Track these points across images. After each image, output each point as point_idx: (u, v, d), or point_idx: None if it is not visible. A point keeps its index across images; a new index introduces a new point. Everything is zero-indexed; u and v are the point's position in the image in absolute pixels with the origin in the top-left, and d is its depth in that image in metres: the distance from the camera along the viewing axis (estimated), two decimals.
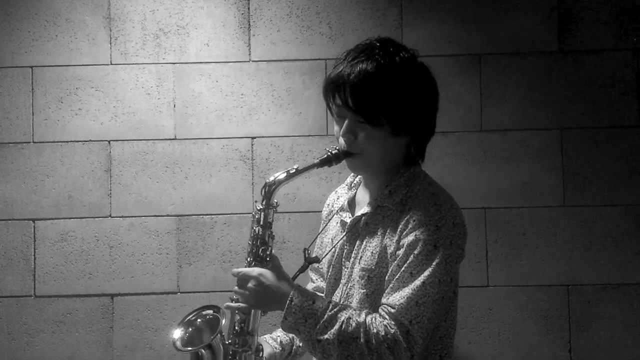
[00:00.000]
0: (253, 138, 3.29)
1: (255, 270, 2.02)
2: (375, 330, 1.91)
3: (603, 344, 3.20)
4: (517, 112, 3.28)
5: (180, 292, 3.24)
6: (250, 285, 2.01)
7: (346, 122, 2.01)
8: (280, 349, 2.28)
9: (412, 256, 1.93)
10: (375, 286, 2.00)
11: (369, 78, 1.95)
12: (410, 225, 1.95)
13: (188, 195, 3.27)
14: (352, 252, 2.07)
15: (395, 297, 1.93)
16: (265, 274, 2.02)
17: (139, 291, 3.24)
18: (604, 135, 3.26)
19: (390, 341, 1.89)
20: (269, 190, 2.09)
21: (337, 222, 2.19)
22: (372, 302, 2.00)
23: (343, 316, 1.93)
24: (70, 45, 3.33)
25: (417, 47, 3.28)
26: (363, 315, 1.94)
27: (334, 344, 1.91)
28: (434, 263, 1.92)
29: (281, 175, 2.07)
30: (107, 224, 3.27)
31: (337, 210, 2.21)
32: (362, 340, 1.90)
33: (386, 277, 1.97)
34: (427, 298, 1.91)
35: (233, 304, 2.06)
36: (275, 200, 2.11)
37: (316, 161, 2.05)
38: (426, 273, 1.91)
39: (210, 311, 2.20)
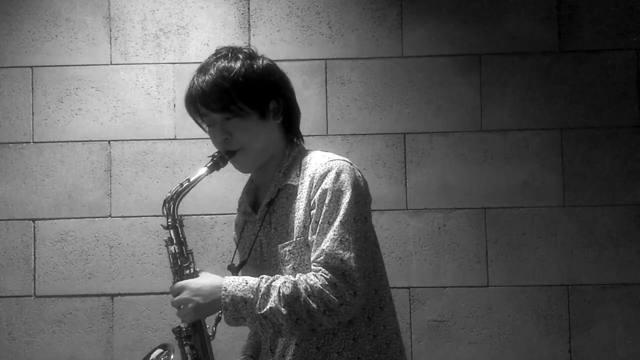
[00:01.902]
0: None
1: (181, 282, 2.07)
2: (312, 282, 1.94)
3: (603, 344, 3.20)
4: (517, 112, 3.28)
5: None
6: (182, 296, 2.04)
7: (218, 125, 2.12)
8: None
9: (324, 207, 2.00)
10: (300, 257, 2.04)
11: (218, 77, 2.09)
12: (314, 184, 2.04)
13: (188, 195, 3.26)
14: (270, 243, 2.11)
15: (321, 246, 1.97)
16: (192, 280, 2.07)
17: (139, 291, 3.24)
18: (604, 135, 3.26)
19: (329, 287, 1.93)
20: (170, 206, 2.16)
21: (248, 229, 2.24)
22: (302, 272, 2.03)
23: (279, 282, 1.96)
24: (70, 45, 3.33)
25: (417, 47, 3.31)
26: (297, 275, 1.98)
27: (278, 310, 1.92)
28: (344, 204, 1.99)
29: (175, 190, 2.15)
30: (107, 224, 3.27)
31: (244, 219, 2.26)
32: (303, 296, 1.92)
33: (309, 238, 2.02)
34: (349, 235, 1.97)
35: (183, 319, 2.08)
36: (180, 215, 2.16)
37: (204, 169, 2.14)
38: (340, 213, 1.98)
39: (160, 350, 2.20)
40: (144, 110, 3.31)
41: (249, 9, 3.34)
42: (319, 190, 2.01)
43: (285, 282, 1.95)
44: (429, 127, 3.28)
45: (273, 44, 3.31)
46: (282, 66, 3.41)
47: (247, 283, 1.98)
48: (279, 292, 1.94)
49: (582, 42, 3.29)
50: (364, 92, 3.29)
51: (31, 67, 3.32)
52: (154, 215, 3.27)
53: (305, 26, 3.32)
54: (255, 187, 2.28)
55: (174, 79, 3.32)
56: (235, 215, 2.36)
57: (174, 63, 3.32)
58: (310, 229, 2.02)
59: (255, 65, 2.15)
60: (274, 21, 3.33)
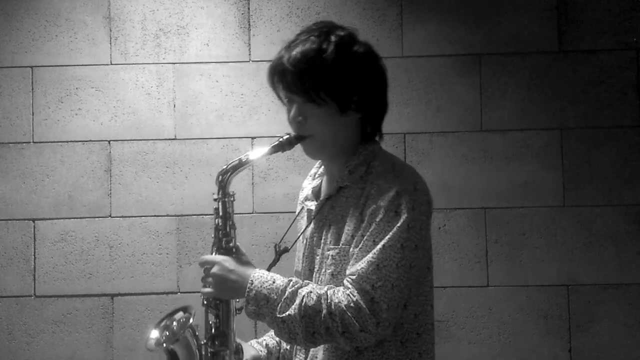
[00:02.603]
0: (253, 138, 3.29)
1: (218, 257, 2.03)
2: (337, 300, 1.87)
3: (603, 344, 3.20)
4: (517, 112, 3.28)
5: (180, 292, 3.24)
6: (213, 270, 2.01)
7: (295, 106, 2.02)
8: (266, 352, 2.25)
9: (374, 224, 1.91)
10: (340, 265, 1.97)
11: (306, 58, 1.97)
12: (371, 196, 1.95)
13: (188, 195, 3.27)
14: (321, 239, 2.06)
15: (357, 265, 1.90)
16: (228, 259, 2.02)
17: (139, 291, 3.24)
18: (604, 135, 3.26)
19: (353, 309, 1.86)
20: (223, 179, 2.10)
21: (304, 214, 2.19)
22: (337, 282, 1.96)
23: (304, 291, 1.90)
24: (70, 45, 3.33)
25: (417, 47, 3.31)
26: (325, 288, 1.92)
27: (296, 319, 1.88)
28: (395, 227, 1.90)
29: (233, 163, 2.08)
30: (107, 224, 3.27)
31: (303, 201, 2.21)
32: (324, 311, 1.86)
33: (351, 249, 1.95)
34: (389, 262, 1.88)
35: (204, 290, 2.05)
36: (232, 191, 2.11)
37: (267, 148, 2.05)
38: (387, 237, 1.89)
39: (181, 313, 2.19)
40: (144, 110, 3.31)
41: (249, 9, 3.34)
42: (374, 205, 1.93)
43: (311, 292, 1.90)
44: (429, 127, 3.27)
45: (273, 44, 3.31)
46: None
47: (274, 282, 1.94)
48: (302, 302, 1.89)
49: (582, 42, 3.29)
50: None
51: (31, 67, 3.32)
52: (154, 215, 3.27)
53: (305, 26, 3.32)
54: (322, 173, 2.21)
55: (174, 79, 3.32)
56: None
57: (174, 63, 3.32)
58: (355, 241, 1.96)
59: (348, 52, 2.00)
60: (274, 21, 3.33)
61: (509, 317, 3.22)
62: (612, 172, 3.24)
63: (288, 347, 2.26)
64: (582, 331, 3.20)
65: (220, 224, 2.11)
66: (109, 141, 3.30)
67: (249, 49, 3.32)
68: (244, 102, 3.30)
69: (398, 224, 1.90)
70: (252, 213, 3.24)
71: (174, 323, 2.18)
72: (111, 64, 3.33)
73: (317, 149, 2.06)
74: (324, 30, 2.04)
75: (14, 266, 3.26)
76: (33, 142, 3.30)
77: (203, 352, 2.10)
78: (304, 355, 2.08)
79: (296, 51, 1.99)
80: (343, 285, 1.91)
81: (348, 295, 1.87)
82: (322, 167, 2.19)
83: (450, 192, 3.25)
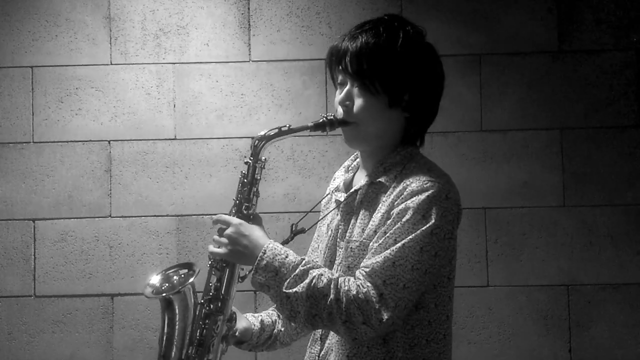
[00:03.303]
0: (253, 138, 3.28)
1: (236, 219, 2.01)
2: (346, 288, 1.86)
3: (603, 344, 3.20)
4: (517, 112, 3.28)
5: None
6: (228, 231, 1.99)
7: (345, 89, 2.01)
8: (259, 327, 2.22)
9: (399, 224, 1.89)
10: (358, 259, 1.95)
11: (369, 45, 1.97)
12: (402, 196, 1.93)
13: (188, 195, 3.27)
14: (346, 231, 2.04)
15: (373, 259, 1.88)
16: (245, 224, 1.99)
17: (139, 291, 3.24)
18: (604, 135, 3.26)
19: (361, 301, 1.84)
20: (259, 144, 2.08)
21: (332, 205, 2.17)
22: (352, 275, 1.94)
23: (315, 272, 1.88)
24: (70, 45, 3.33)
25: None
26: (337, 274, 1.90)
27: (302, 297, 1.85)
28: (419, 230, 1.88)
29: (272, 132, 2.06)
30: (107, 224, 3.27)
31: (333, 191, 2.19)
32: (331, 296, 1.84)
33: (370, 244, 1.93)
34: (406, 262, 1.87)
35: (213, 249, 2.03)
36: (264, 157, 2.10)
37: (310, 124, 2.03)
38: (409, 237, 1.87)
39: (185, 270, 2.18)
40: (144, 110, 3.31)
41: (249, 9, 3.34)
42: (403, 205, 1.90)
43: (322, 275, 1.88)
44: (429, 127, 3.27)
45: (273, 44, 3.31)
46: (282, 66, 3.45)
47: (287, 257, 1.91)
48: (311, 282, 1.86)
49: (582, 42, 3.29)
50: None
51: (31, 67, 3.32)
52: (154, 215, 3.27)
53: (305, 26, 3.32)
54: (357, 166, 2.19)
55: (174, 79, 3.32)
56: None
57: (174, 63, 3.32)
58: (377, 236, 1.94)
59: (411, 50, 1.99)
60: (274, 21, 3.33)
61: (509, 317, 3.22)
62: (612, 172, 3.24)
63: (282, 329, 2.24)
64: (582, 331, 3.20)
65: (244, 188, 2.08)
66: (109, 141, 3.30)
67: (249, 49, 3.32)
68: (244, 102, 3.30)
69: (423, 228, 1.88)
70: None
71: (175, 277, 2.17)
72: (111, 64, 3.33)
73: (358, 137, 2.03)
74: (394, 22, 2.04)
75: (14, 266, 3.26)
76: (33, 142, 3.30)
77: (197, 312, 2.09)
78: (319, 347, 2.07)
79: (362, 37, 1.98)
80: (355, 275, 1.90)
81: (358, 285, 1.86)
82: (357, 160, 2.18)
83: None
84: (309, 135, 3.27)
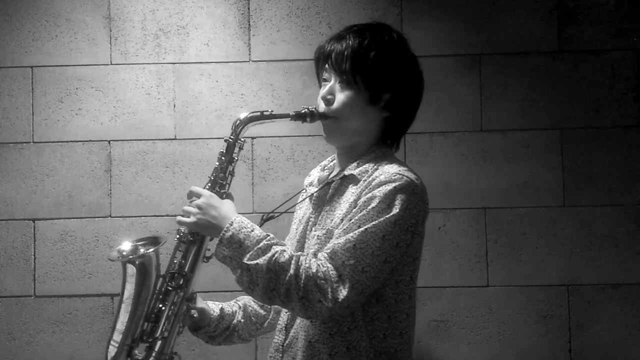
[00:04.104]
0: (253, 138, 3.29)
1: (208, 192, 2.05)
2: (307, 265, 1.89)
3: (603, 344, 3.20)
4: (517, 112, 3.28)
5: None
6: (198, 201, 2.02)
7: (328, 84, 2.07)
8: (219, 314, 2.24)
9: (364, 211, 1.93)
10: (324, 245, 1.99)
11: (354, 44, 2.04)
12: (370, 186, 1.98)
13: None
14: (316, 223, 2.08)
15: (335, 240, 1.93)
16: (216, 197, 2.04)
17: None
18: (604, 135, 3.26)
19: (319, 278, 1.88)
20: (240, 123, 2.13)
21: (303, 198, 2.21)
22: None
23: (278, 248, 1.92)
24: (70, 45, 3.33)
25: (417, 47, 3.29)
26: (299, 253, 1.95)
27: (262, 270, 1.88)
28: (382, 218, 1.92)
29: (255, 114, 2.12)
30: (107, 224, 3.27)
31: (307, 186, 2.23)
32: (291, 272, 1.88)
33: (335, 232, 1.97)
34: (367, 246, 1.90)
35: (181, 218, 2.06)
36: (244, 138, 2.14)
37: (292, 113, 2.09)
38: (372, 223, 1.92)
39: (154, 240, 2.18)
40: (144, 110, 3.31)
41: (249, 9, 3.34)
42: (370, 194, 1.95)
43: (284, 251, 1.92)
44: (429, 127, 3.28)
45: (273, 44, 3.31)
46: (282, 66, 3.45)
47: (252, 230, 1.95)
48: (273, 256, 1.90)
49: (582, 42, 3.29)
50: None
51: (31, 67, 3.32)
52: (154, 215, 3.27)
53: (305, 26, 3.32)
54: (333, 166, 2.23)
55: (174, 79, 3.32)
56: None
57: (174, 63, 3.32)
58: (342, 223, 1.98)
59: (398, 53, 2.08)
60: (274, 21, 3.33)
61: (509, 317, 3.22)
62: (612, 172, 3.25)
63: (242, 321, 2.26)
64: (582, 331, 3.20)
65: (221, 166, 2.13)
66: (109, 141, 3.30)
67: (249, 49, 3.32)
68: (244, 102, 3.30)
69: (387, 216, 1.93)
70: (252, 213, 3.24)
71: (142, 249, 2.18)
72: (111, 64, 3.33)
73: (337, 132, 2.08)
74: (380, 27, 2.12)
75: (14, 266, 3.26)
76: (33, 142, 3.30)
77: (158, 285, 2.09)
78: (283, 337, 2.09)
79: (349, 37, 2.06)
80: (317, 256, 1.93)
81: (319, 265, 1.90)
82: (333, 161, 2.22)
83: (450, 192, 3.25)
84: (309, 135, 3.27)
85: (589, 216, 3.23)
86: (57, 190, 3.28)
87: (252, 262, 1.90)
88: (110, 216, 3.28)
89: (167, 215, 3.28)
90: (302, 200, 2.23)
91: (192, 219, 2.03)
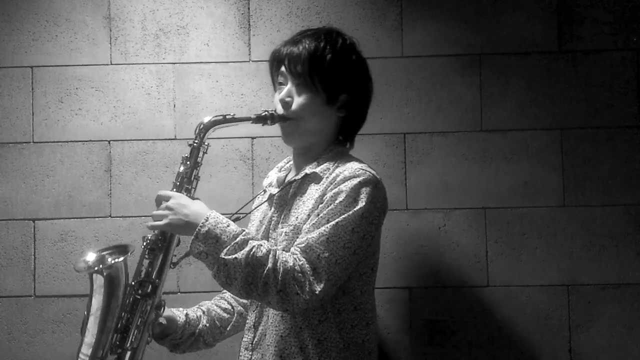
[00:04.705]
0: (253, 138, 3.29)
1: (175, 193, 2.07)
2: (284, 259, 1.93)
3: (603, 344, 3.20)
4: (517, 112, 3.28)
5: (180, 292, 3.24)
6: (168, 203, 2.03)
7: (286, 88, 2.14)
8: (184, 320, 2.25)
9: (332, 205, 1.99)
10: (293, 242, 2.03)
11: (310, 47, 2.12)
12: (335, 182, 2.03)
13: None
14: (279, 222, 2.10)
15: (308, 235, 1.97)
16: (185, 197, 2.07)
17: None
18: (604, 135, 3.27)
19: (296, 272, 1.92)
20: (204, 127, 2.16)
21: (265, 200, 2.23)
22: None
23: (255, 242, 1.95)
24: (70, 45, 3.33)
25: (417, 47, 3.31)
26: (275, 247, 1.98)
27: (240, 264, 1.91)
28: (351, 211, 1.98)
29: (218, 118, 2.17)
30: (107, 224, 3.27)
31: (266, 187, 2.26)
32: (269, 266, 1.91)
33: (303, 227, 2.00)
34: (339, 239, 1.96)
35: (153, 223, 2.06)
36: (207, 142, 2.16)
37: (253, 116, 2.16)
38: (342, 217, 1.97)
39: (122, 249, 2.18)
40: (144, 110, 3.31)
41: (249, 9, 3.34)
42: (336, 189, 2.01)
43: (261, 245, 1.95)
44: (429, 127, 3.28)
45: (273, 44, 3.29)
46: None
47: (228, 226, 1.98)
48: (251, 250, 1.93)
49: (582, 42, 3.29)
50: None
51: (31, 67, 3.32)
52: None
53: (305, 26, 3.32)
54: (289, 167, 2.27)
55: (174, 79, 3.32)
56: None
57: (174, 63, 3.32)
58: (309, 219, 2.01)
59: (347, 56, 2.16)
60: (274, 21, 3.33)
61: (509, 317, 3.22)
62: (612, 172, 3.25)
63: (207, 325, 2.28)
64: (582, 331, 3.20)
65: (185, 171, 2.14)
66: (109, 141, 3.31)
67: (249, 49, 3.32)
68: (244, 102, 3.30)
69: (355, 209, 1.99)
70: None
71: (109, 258, 2.17)
72: (111, 64, 3.33)
73: (296, 133, 2.14)
74: (332, 31, 2.20)
75: (14, 266, 3.26)
76: (33, 142, 3.30)
77: (127, 293, 2.09)
78: (252, 335, 2.11)
79: (304, 42, 2.14)
80: (291, 251, 1.98)
81: (295, 259, 1.95)
82: (289, 163, 2.26)
83: (450, 192, 3.25)
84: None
85: (589, 216, 3.23)
86: (57, 190, 3.28)
87: (229, 257, 1.92)
88: (110, 216, 3.28)
89: None
90: (264, 202, 2.25)
91: (164, 221, 2.04)
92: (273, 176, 2.29)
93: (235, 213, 2.23)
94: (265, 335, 2.08)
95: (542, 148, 3.26)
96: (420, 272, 3.23)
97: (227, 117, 2.17)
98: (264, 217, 2.20)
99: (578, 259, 3.23)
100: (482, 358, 3.21)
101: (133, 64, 3.32)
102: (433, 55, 3.29)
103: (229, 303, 2.44)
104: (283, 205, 2.13)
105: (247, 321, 2.18)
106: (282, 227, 2.07)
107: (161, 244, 2.10)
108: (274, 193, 2.17)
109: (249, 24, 3.33)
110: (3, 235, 3.27)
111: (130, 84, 3.32)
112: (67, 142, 3.30)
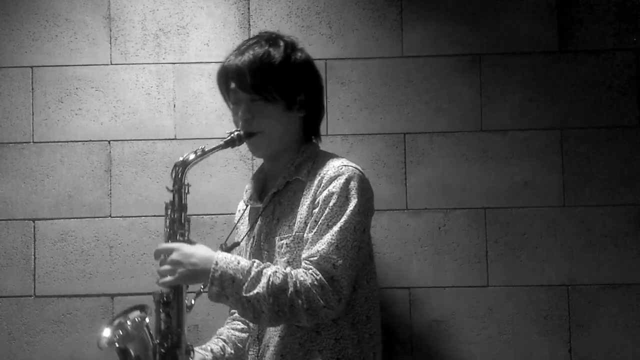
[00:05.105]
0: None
1: (175, 244, 2.06)
2: (302, 279, 1.95)
3: (603, 344, 3.20)
4: (517, 112, 3.28)
5: None
6: (173, 257, 2.02)
7: (243, 105, 2.13)
8: (212, 356, 2.28)
9: (327, 209, 2.01)
10: (296, 252, 2.05)
11: (257, 59, 2.11)
12: (322, 184, 2.04)
13: (188, 195, 3.26)
14: (270, 234, 2.11)
15: (316, 247, 1.97)
16: (185, 245, 2.06)
17: (139, 291, 3.24)
18: (604, 135, 3.26)
19: (317, 287, 1.93)
20: (179, 171, 2.17)
21: (250, 215, 2.24)
22: (295, 268, 2.03)
23: (269, 271, 1.97)
24: (70, 45, 3.33)
25: (417, 47, 3.31)
26: (288, 268, 2.00)
27: (264, 297, 1.93)
28: (348, 211, 2.00)
29: (190, 156, 2.17)
30: (107, 224, 3.27)
31: (247, 201, 2.27)
32: (291, 290, 1.93)
33: (305, 235, 2.01)
34: (347, 242, 1.99)
35: (163, 279, 2.06)
36: (187, 182, 2.17)
37: (221, 143, 2.17)
38: (342, 220, 1.99)
39: (137, 312, 2.18)
40: (144, 110, 3.31)
41: (249, 9, 3.34)
42: (326, 192, 2.02)
43: (276, 272, 1.95)
44: (429, 127, 3.28)
45: None
46: None
47: (239, 263, 1.98)
48: (269, 280, 1.94)
49: (582, 42, 3.29)
50: (364, 92, 3.29)
51: (31, 67, 3.32)
52: (154, 215, 3.27)
53: (305, 26, 3.32)
54: (264, 175, 2.28)
55: (174, 79, 3.32)
56: (239, 203, 2.35)
57: (174, 63, 3.32)
58: (308, 227, 2.02)
59: (293, 56, 2.16)
60: (274, 21, 3.33)
61: (509, 317, 3.22)
62: (612, 172, 3.24)
63: (233, 351, 2.29)
64: (582, 331, 3.20)
65: (175, 216, 2.14)
66: (109, 141, 3.30)
67: None
68: None
69: (350, 208, 2.01)
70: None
71: (129, 322, 2.17)
72: (111, 64, 3.33)
73: (264, 145, 2.16)
74: (271, 36, 2.19)
75: (14, 266, 3.26)
76: (33, 142, 3.30)
77: (156, 352, 2.10)
78: (257, 348, 2.12)
79: (248, 53, 2.12)
80: (303, 266, 1.97)
81: (312, 274, 1.96)
82: (263, 171, 2.27)
83: (450, 192, 3.25)
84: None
85: (589, 216, 3.23)
86: (57, 190, 3.28)
87: (251, 294, 1.94)
88: (110, 216, 3.28)
89: None
90: (245, 217, 2.26)
91: (175, 276, 2.03)
92: (250, 190, 2.30)
93: (233, 243, 2.22)
94: (269, 346, 2.09)
95: (542, 148, 3.26)
96: (420, 272, 3.23)
97: (198, 152, 2.20)
98: (251, 230, 2.20)
99: (578, 259, 3.23)
100: (483, 358, 3.21)
101: (133, 64, 3.32)
102: (433, 55, 3.29)
103: (242, 322, 2.44)
104: (270, 217, 2.15)
105: (252, 334, 2.19)
106: (281, 239, 2.08)
107: (173, 295, 2.10)
108: (258, 207, 2.19)
109: (249, 24, 3.33)
110: (3, 235, 3.27)
111: (130, 84, 3.32)
112: (67, 142, 3.30)
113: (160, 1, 3.34)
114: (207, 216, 3.26)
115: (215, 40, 3.32)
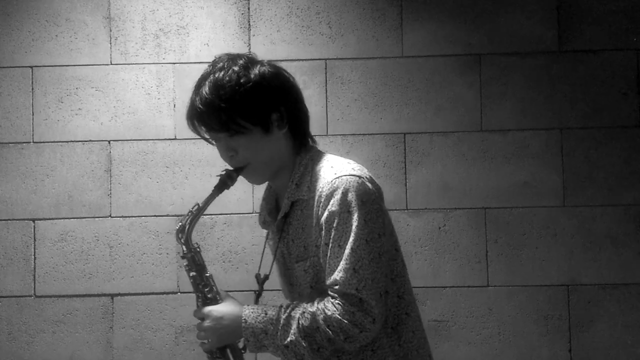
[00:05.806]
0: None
1: (206, 309, 2.07)
2: (330, 313, 1.92)
3: (603, 344, 3.20)
4: (517, 112, 3.28)
5: (180, 292, 3.24)
6: (204, 324, 2.06)
7: (222, 142, 2.08)
8: None
9: (333, 230, 1.95)
10: (316, 275, 2.02)
11: (215, 94, 2.02)
12: (321, 204, 1.98)
13: (188, 195, 3.27)
14: (291, 254, 2.10)
15: (334, 275, 1.94)
16: (214, 308, 2.07)
17: (139, 291, 3.24)
18: (604, 135, 3.26)
19: (347, 316, 1.91)
20: (183, 236, 2.17)
21: (271, 238, 2.23)
22: (319, 291, 2.01)
23: (297, 313, 1.95)
24: (70, 45, 3.33)
25: (417, 47, 3.31)
26: (315, 304, 1.96)
27: (299, 342, 1.93)
28: (353, 227, 1.94)
29: (187, 219, 2.17)
30: (107, 224, 3.27)
31: (262, 225, 2.26)
32: (322, 326, 1.92)
33: (320, 260, 1.99)
34: (362, 261, 1.93)
35: (204, 346, 2.10)
36: (196, 242, 2.17)
37: (213, 190, 2.13)
38: (351, 239, 1.93)
39: None
40: (144, 110, 3.31)
41: (249, 9, 3.34)
42: (326, 212, 1.96)
43: (304, 312, 1.95)
44: (429, 127, 3.28)
45: (273, 44, 3.31)
46: (282, 66, 3.41)
47: (266, 314, 1.99)
48: (298, 324, 1.94)
49: (582, 42, 3.29)
50: (364, 92, 3.29)
51: (31, 67, 3.32)
52: (154, 215, 3.27)
53: (305, 26, 3.32)
54: (274, 193, 2.25)
55: (174, 79, 3.32)
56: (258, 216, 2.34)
57: (174, 63, 3.32)
58: (321, 251, 1.99)
59: (253, 77, 2.03)
60: (274, 21, 3.33)
61: (509, 317, 3.22)
62: (612, 172, 3.25)
63: None
64: (582, 331, 3.20)
65: (196, 276, 2.15)
66: (109, 141, 3.30)
67: (249, 49, 3.32)
68: None
69: (355, 223, 1.94)
70: (252, 213, 3.24)
71: None
72: (111, 64, 3.33)
73: (257, 173, 2.12)
74: (224, 63, 2.08)
75: (14, 266, 3.26)
76: (33, 142, 3.30)
77: None
78: None
79: (204, 91, 2.04)
80: (329, 295, 1.95)
81: (338, 304, 1.93)
82: (271, 188, 2.24)
83: (450, 192, 3.25)
84: None
85: (589, 216, 3.23)
86: (57, 190, 3.28)
87: (286, 341, 1.95)
88: (110, 216, 3.28)
89: (167, 215, 3.28)
90: (269, 240, 2.25)
91: (212, 342, 2.08)
92: (264, 212, 2.28)
93: (265, 275, 2.21)
94: None
95: (542, 148, 3.26)
96: (420, 272, 3.23)
97: (194, 210, 2.16)
98: (276, 252, 2.20)
99: (578, 259, 3.23)
100: (483, 358, 3.21)
101: (133, 64, 3.32)
102: (433, 55, 3.29)
103: None
104: (286, 238, 2.13)
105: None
106: (298, 264, 2.06)
107: (220, 352, 2.11)
108: (274, 229, 2.17)
109: (249, 24, 3.33)
110: (3, 235, 3.27)
111: (130, 84, 3.32)
112: (67, 142, 3.30)
113: (160, 1, 3.34)
114: (207, 216, 3.26)
115: (215, 40, 3.32)
